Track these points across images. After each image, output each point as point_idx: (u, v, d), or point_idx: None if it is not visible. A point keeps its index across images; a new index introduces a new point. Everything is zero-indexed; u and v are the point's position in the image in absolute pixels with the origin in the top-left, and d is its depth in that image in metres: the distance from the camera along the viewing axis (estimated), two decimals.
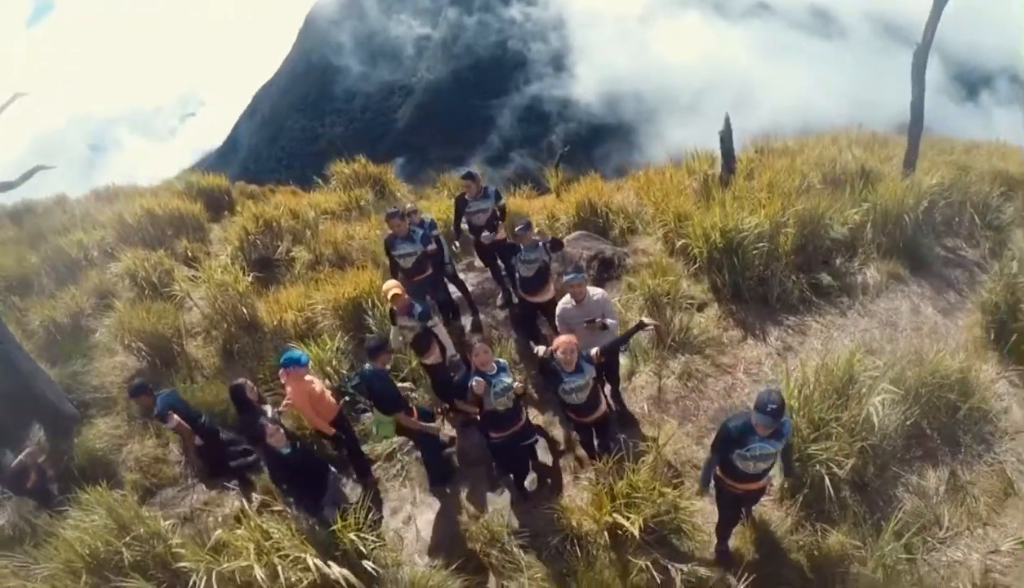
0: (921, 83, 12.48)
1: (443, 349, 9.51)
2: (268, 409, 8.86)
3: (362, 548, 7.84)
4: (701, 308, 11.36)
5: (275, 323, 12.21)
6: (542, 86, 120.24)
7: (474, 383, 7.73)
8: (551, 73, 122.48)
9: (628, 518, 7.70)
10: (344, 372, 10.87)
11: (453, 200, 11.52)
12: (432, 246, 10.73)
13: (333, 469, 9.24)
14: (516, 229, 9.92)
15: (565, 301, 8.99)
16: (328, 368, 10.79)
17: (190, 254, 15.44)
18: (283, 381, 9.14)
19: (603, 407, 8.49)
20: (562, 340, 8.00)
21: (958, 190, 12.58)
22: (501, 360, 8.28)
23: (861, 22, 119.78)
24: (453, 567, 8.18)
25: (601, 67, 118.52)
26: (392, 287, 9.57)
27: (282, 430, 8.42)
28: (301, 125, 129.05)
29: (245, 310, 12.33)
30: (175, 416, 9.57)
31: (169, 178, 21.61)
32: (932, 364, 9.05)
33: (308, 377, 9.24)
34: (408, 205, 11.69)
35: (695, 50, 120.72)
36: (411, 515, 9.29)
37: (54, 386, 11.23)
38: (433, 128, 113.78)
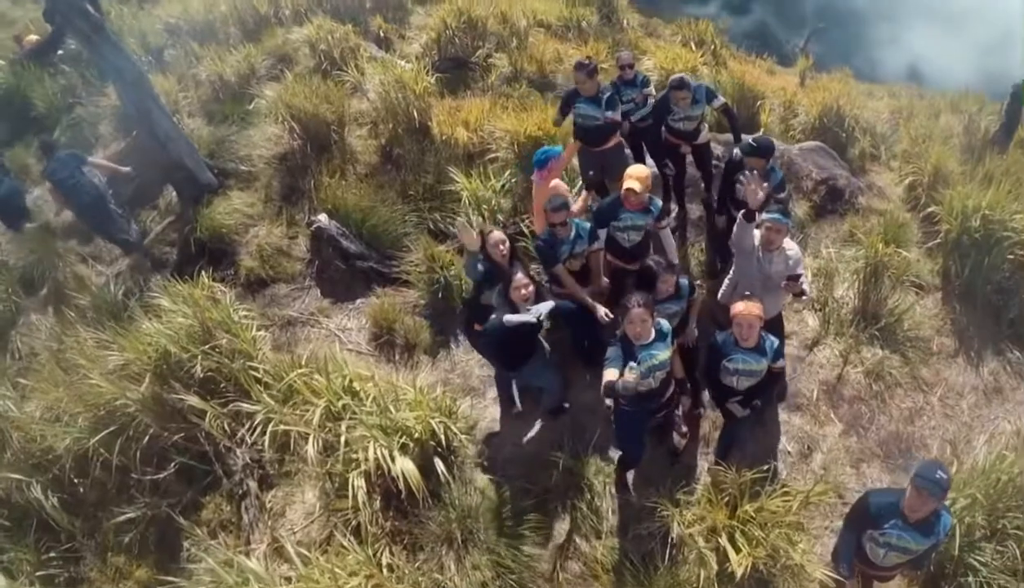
0: None
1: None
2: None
3: (443, 438, 6.58)
4: (921, 293, 9.21)
5: (444, 136, 10.64)
6: None
7: (626, 380, 5.59)
8: None
9: (738, 551, 6.02)
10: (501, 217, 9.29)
11: (653, 103, 9.08)
12: (613, 115, 8.52)
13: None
14: (743, 146, 7.80)
15: (755, 233, 6.83)
16: (484, 208, 9.23)
17: (383, 34, 13.92)
18: (540, 180, 7.85)
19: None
20: (743, 310, 6.08)
21: None
22: (663, 325, 6.25)
23: None
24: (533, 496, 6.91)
25: None
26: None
27: (531, 286, 6.56)
28: None
29: (417, 114, 10.76)
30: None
31: None
32: None
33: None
34: (624, 54, 9.39)
35: None
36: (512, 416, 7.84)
37: (194, 151, 10.18)
38: None
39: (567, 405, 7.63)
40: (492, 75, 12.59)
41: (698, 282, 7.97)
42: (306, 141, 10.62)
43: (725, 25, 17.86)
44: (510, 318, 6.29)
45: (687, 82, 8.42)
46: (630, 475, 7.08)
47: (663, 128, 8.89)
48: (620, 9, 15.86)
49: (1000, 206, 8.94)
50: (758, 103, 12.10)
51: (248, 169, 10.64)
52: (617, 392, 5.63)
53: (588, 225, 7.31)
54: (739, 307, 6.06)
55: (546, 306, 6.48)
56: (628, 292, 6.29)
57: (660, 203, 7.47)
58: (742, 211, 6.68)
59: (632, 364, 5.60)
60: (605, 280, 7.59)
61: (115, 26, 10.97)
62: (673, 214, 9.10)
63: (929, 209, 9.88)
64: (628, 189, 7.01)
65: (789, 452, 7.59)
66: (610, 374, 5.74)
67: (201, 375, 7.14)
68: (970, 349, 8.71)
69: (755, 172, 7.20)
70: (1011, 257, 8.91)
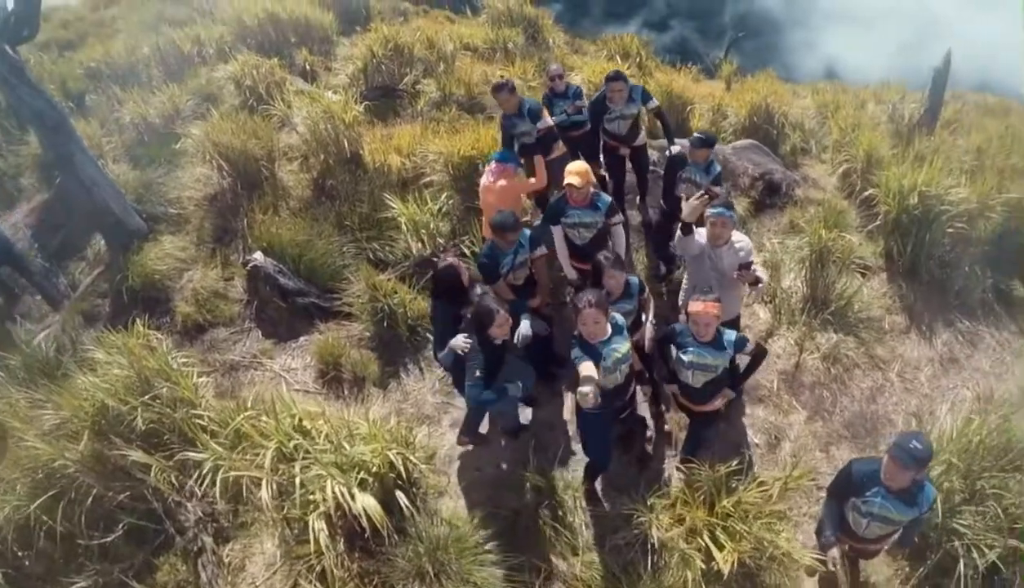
0: None
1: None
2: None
3: (403, 470, 6.30)
4: (867, 275, 9.33)
5: (377, 164, 10.45)
6: None
7: (589, 391, 5.36)
8: None
9: (721, 548, 5.87)
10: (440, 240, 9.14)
11: (589, 103, 9.16)
12: (543, 124, 8.51)
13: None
14: (695, 138, 7.86)
15: (700, 233, 6.77)
16: (423, 232, 9.06)
17: (309, 67, 13.80)
18: (491, 177, 7.97)
19: (721, 401, 6.44)
20: (701, 309, 5.87)
21: None
22: (618, 318, 6.13)
23: None
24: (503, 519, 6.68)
25: None
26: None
27: (510, 320, 6.35)
28: None
29: (347, 143, 10.56)
30: None
31: None
32: None
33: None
34: (554, 67, 9.50)
35: None
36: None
37: (120, 197, 9.83)
38: None
39: (526, 424, 7.45)
40: (421, 101, 12.52)
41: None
42: (236, 179, 10.35)
43: (649, 39, 18.06)
44: (519, 392, 6.28)
45: (623, 74, 8.57)
46: (599, 485, 6.93)
47: (601, 131, 8.93)
48: (545, 29, 16.01)
49: (935, 182, 9.07)
50: (687, 109, 12.26)
51: (178, 212, 10.31)
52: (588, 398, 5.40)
53: (528, 232, 7.16)
54: (696, 306, 5.88)
55: (526, 328, 6.50)
56: (580, 290, 6.19)
57: (608, 199, 7.32)
58: (680, 224, 6.62)
59: (586, 388, 5.37)
60: (575, 273, 7.52)
61: (34, 73, 10.61)
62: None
63: (866, 193, 10.02)
64: (568, 184, 6.96)
65: (757, 444, 7.54)
66: (586, 367, 5.53)
67: (143, 428, 6.77)
68: (921, 323, 8.85)
69: (698, 177, 7.44)
70: (951, 230, 9.05)
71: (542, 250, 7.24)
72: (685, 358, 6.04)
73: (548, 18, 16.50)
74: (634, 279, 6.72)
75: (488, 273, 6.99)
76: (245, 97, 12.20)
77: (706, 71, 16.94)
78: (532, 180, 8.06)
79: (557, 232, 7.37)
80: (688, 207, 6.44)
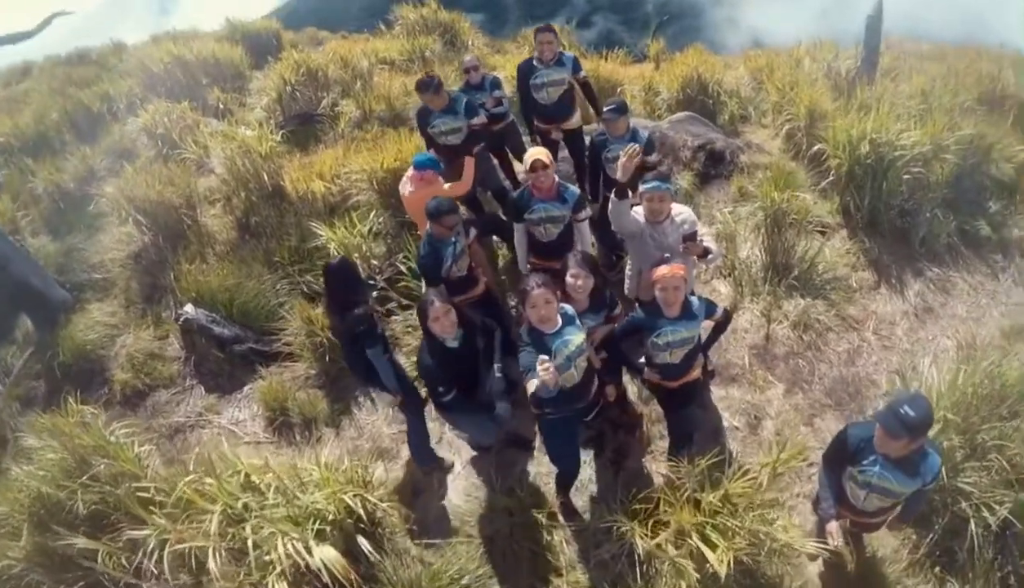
0: None
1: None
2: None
3: (362, 512, 5.88)
4: (826, 234, 9.06)
5: (301, 193, 10.09)
6: None
7: (543, 380, 4.80)
8: None
9: (715, 548, 5.39)
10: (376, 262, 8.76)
11: (517, 68, 8.72)
12: (479, 119, 8.17)
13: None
14: (605, 111, 7.32)
15: (637, 212, 6.34)
16: (355, 256, 8.65)
17: (222, 106, 13.40)
18: (411, 187, 7.43)
19: (699, 367, 6.08)
20: (667, 272, 5.49)
21: None
22: (567, 308, 5.64)
23: None
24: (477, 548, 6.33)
25: None
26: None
27: (452, 313, 5.60)
28: None
29: (267, 177, 10.17)
30: None
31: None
32: None
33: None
34: (468, 58, 9.13)
35: None
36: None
37: (39, 269, 9.46)
38: None
39: (490, 443, 6.98)
40: (342, 122, 12.21)
41: None
42: (157, 233, 9.93)
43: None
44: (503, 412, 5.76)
45: (553, 27, 8.20)
46: (575, 498, 6.57)
47: (532, 109, 8.52)
48: (462, 32, 15.78)
49: (884, 128, 8.76)
50: (618, 90, 12.07)
51: (102, 277, 9.89)
52: (540, 397, 5.07)
53: None
54: (662, 270, 5.49)
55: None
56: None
57: (576, 191, 6.85)
58: (614, 190, 6.12)
59: (543, 357, 4.89)
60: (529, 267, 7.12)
61: None
62: None
63: (814, 149, 9.67)
64: (535, 161, 6.50)
65: (737, 427, 7.20)
66: (533, 385, 5.03)
67: (84, 511, 6.34)
68: (890, 277, 8.61)
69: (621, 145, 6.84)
70: (907, 177, 8.74)
71: (475, 232, 6.91)
72: (660, 340, 5.67)
73: (464, 21, 16.19)
74: (607, 292, 6.18)
75: (432, 272, 6.53)
76: (159, 146, 11.78)
77: (634, 58, 16.67)
78: (456, 184, 7.60)
79: (520, 229, 6.96)
80: (620, 167, 5.97)
